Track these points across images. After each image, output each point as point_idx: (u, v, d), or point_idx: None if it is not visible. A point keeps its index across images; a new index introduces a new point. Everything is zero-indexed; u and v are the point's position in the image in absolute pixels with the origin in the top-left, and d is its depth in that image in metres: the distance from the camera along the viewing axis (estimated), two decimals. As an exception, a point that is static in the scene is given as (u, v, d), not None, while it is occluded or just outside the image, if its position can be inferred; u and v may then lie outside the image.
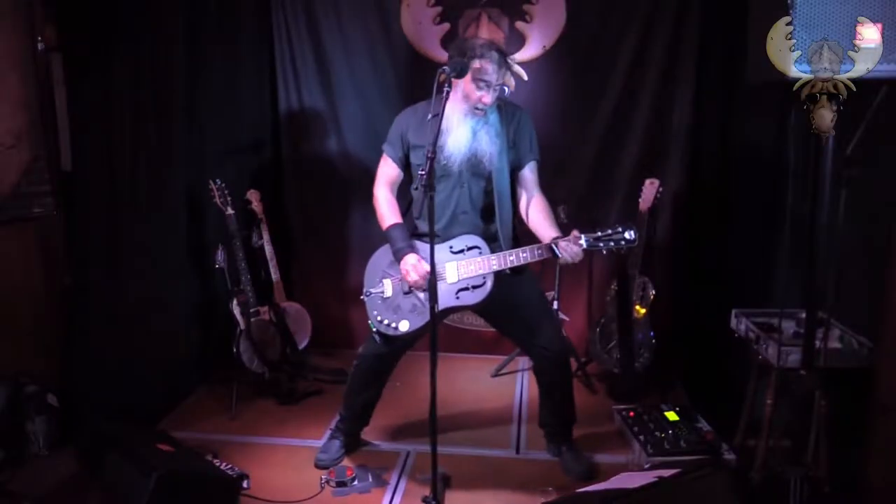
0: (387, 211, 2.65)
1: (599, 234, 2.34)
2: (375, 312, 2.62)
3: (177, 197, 3.41)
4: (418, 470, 2.81)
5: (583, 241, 2.34)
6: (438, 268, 2.49)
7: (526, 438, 3.09)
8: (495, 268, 2.43)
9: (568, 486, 2.67)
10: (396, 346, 2.68)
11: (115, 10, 2.94)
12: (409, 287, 2.53)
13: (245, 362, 3.40)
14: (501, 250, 2.51)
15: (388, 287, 2.61)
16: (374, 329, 2.62)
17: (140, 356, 3.17)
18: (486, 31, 3.69)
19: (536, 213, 2.58)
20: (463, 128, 2.47)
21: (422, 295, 2.51)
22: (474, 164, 2.53)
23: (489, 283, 2.45)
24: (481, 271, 2.45)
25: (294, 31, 3.85)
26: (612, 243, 2.34)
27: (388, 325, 2.57)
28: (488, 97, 2.45)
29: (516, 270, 2.56)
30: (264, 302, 3.54)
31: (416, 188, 2.20)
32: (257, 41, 3.86)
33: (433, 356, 2.18)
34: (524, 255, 2.41)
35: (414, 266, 2.49)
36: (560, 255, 2.36)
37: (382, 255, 2.66)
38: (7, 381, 2.84)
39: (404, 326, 2.55)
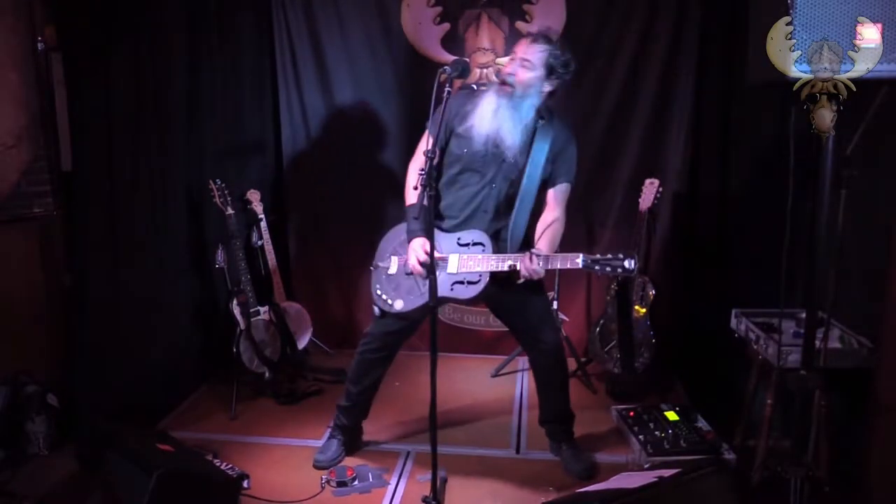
0: (411, 188, 2.66)
1: (599, 257, 2.35)
2: (377, 286, 2.66)
3: (177, 197, 3.41)
4: (418, 470, 2.82)
5: (580, 262, 2.34)
6: (444, 257, 2.52)
7: (526, 438, 3.09)
8: (492, 268, 2.45)
9: (568, 486, 2.67)
10: (400, 325, 2.69)
11: (115, 10, 2.94)
12: (411, 270, 2.55)
13: (245, 362, 3.41)
14: (506, 252, 2.52)
15: (393, 264, 2.64)
16: (374, 302, 2.66)
17: (140, 356, 3.17)
18: (486, 32, 3.70)
19: (541, 226, 2.62)
20: (488, 106, 2.48)
21: (421, 280, 2.54)
22: (509, 170, 2.54)
23: (484, 281, 2.47)
24: (478, 268, 2.46)
25: (294, 31, 3.85)
26: (608, 268, 2.32)
27: (386, 300, 2.61)
28: (513, 70, 2.45)
29: None
30: (264, 302, 3.54)
31: (416, 187, 2.21)
32: (257, 41, 3.86)
33: (433, 356, 2.19)
34: (510, 262, 2.43)
35: (416, 247, 2.51)
36: (521, 273, 2.40)
37: (397, 232, 2.69)
38: (7, 381, 2.84)
39: (399, 305, 2.58)
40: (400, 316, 2.62)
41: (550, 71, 2.48)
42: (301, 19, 3.83)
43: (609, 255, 2.34)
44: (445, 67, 2.25)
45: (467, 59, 2.42)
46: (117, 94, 2.99)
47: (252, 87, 3.85)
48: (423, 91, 2.68)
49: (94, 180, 2.97)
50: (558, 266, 2.40)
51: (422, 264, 2.49)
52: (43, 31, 2.91)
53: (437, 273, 2.47)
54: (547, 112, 2.59)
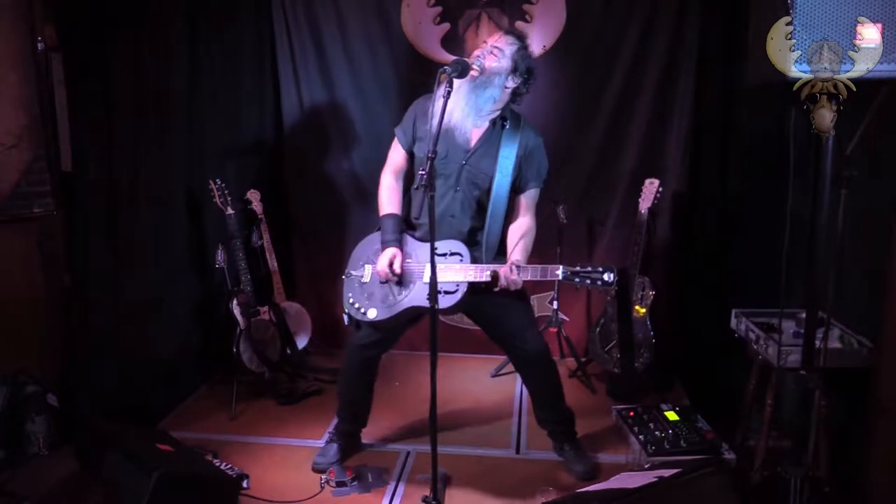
0: (386, 199, 2.67)
1: (578, 269, 2.34)
2: (349, 294, 2.63)
3: (177, 197, 3.41)
4: (418, 470, 2.82)
5: (559, 273, 2.33)
6: (418, 265, 2.52)
7: (526, 438, 3.10)
8: (469, 279, 2.43)
9: (568, 486, 2.67)
10: (376, 337, 2.68)
11: (115, 9, 2.94)
12: (382, 278, 2.54)
13: (245, 362, 3.41)
14: (482, 261, 2.52)
15: (367, 273, 2.63)
16: (346, 311, 2.63)
17: (140, 356, 3.17)
18: (486, 32, 3.69)
19: (514, 234, 2.60)
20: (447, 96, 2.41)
21: (395, 289, 2.53)
22: (472, 173, 2.54)
23: (460, 292, 2.44)
24: (456, 278, 2.44)
25: (295, 32, 3.85)
26: (588, 281, 2.32)
27: (358, 308, 2.58)
28: (481, 54, 2.46)
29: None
30: (264, 302, 3.54)
31: (416, 188, 2.21)
32: (258, 41, 3.86)
33: (433, 356, 2.18)
34: (488, 272, 2.41)
35: (388, 260, 2.51)
36: (500, 283, 2.39)
37: (371, 241, 2.68)
38: (7, 381, 2.84)
39: (372, 314, 2.55)
40: (374, 326, 2.59)
41: (515, 67, 2.48)
42: (301, 19, 3.83)
43: (589, 268, 2.32)
44: (445, 67, 2.25)
45: (467, 59, 2.41)
46: (117, 94, 2.99)
47: (252, 87, 3.85)
48: (423, 91, 2.68)
49: (94, 180, 2.97)
50: (538, 277, 2.38)
51: (415, 269, 2.49)
52: (43, 31, 2.91)
53: (413, 282, 2.50)
54: (513, 116, 2.59)
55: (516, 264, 2.40)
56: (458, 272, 2.44)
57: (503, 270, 2.38)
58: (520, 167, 2.57)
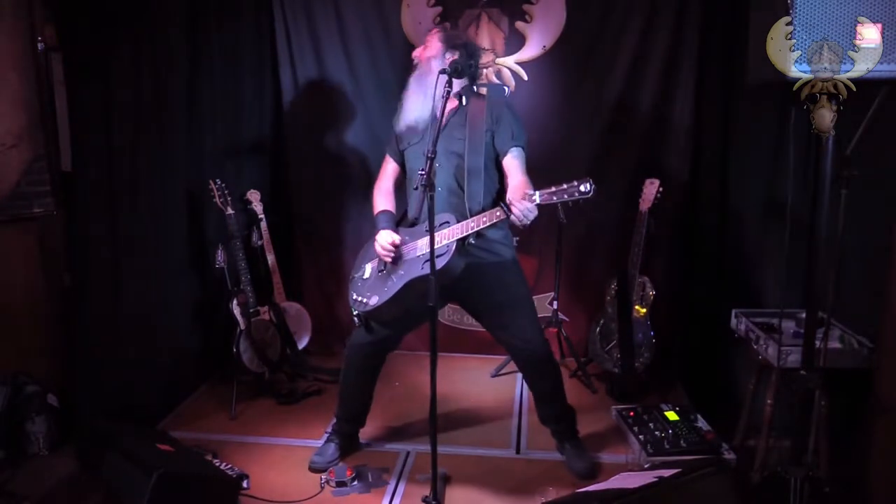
0: (378, 200, 2.79)
1: (553, 188, 2.24)
2: (353, 293, 2.68)
3: (177, 197, 3.41)
4: (418, 470, 2.81)
5: (536, 197, 2.24)
6: (411, 245, 2.55)
7: (526, 438, 3.09)
8: (458, 235, 2.41)
9: (568, 486, 2.66)
10: (381, 336, 2.70)
11: (115, 10, 2.94)
12: (378, 256, 2.59)
13: (245, 362, 3.41)
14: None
15: (367, 270, 2.69)
16: (355, 313, 2.68)
17: (140, 356, 3.17)
18: (486, 31, 3.70)
19: (510, 190, 2.55)
20: (407, 93, 2.66)
21: (393, 274, 2.55)
22: (448, 141, 2.58)
23: (452, 249, 2.42)
24: (445, 241, 2.43)
25: (294, 32, 3.85)
26: (565, 196, 2.22)
27: (361, 301, 2.63)
28: (417, 53, 2.70)
29: (499, 258, 2.62)
30: (264, 302, 3.55)
31: (416, 188, 2.21)
32: (258, 41, 3.86)
33: (433, 356, 2.18)
34: (484, 219, 2.37)
35: (381, 236, 2.57)
36: (512, 214, 2.28)
37: (370, 245, 2.71)
38: (7, 381, 2.84)
39: (373, 300, 2.58)
40: (380, 316, 2.61)
41: (447, 46, 2.60)
42: (301, 19, 3.83)
43: (564, 185, 2.22)
44: (444, 67, 2.25)
45: (460, 59, 2.41)
46: (117, 94, 2.99)
47: (252, 87, 3.85)
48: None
49: (94, 180, 2.97)
50: (523, 207, 2.27)
51: (407, 258, 2.51)
52: (43, 31, 2.91)
53: (408, 256, 2.53)
54: (476, 94, 2.69)
55: (529, 193, 2.26)
56: (445, 236, 2.41)
57: (514, 202, 2.27)
58: (494, 131, 2.60)
